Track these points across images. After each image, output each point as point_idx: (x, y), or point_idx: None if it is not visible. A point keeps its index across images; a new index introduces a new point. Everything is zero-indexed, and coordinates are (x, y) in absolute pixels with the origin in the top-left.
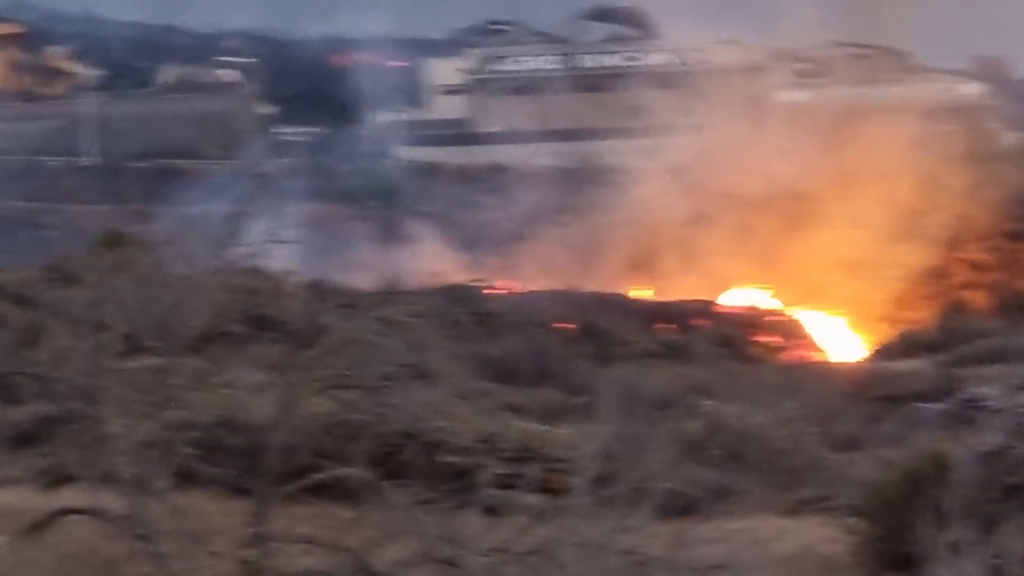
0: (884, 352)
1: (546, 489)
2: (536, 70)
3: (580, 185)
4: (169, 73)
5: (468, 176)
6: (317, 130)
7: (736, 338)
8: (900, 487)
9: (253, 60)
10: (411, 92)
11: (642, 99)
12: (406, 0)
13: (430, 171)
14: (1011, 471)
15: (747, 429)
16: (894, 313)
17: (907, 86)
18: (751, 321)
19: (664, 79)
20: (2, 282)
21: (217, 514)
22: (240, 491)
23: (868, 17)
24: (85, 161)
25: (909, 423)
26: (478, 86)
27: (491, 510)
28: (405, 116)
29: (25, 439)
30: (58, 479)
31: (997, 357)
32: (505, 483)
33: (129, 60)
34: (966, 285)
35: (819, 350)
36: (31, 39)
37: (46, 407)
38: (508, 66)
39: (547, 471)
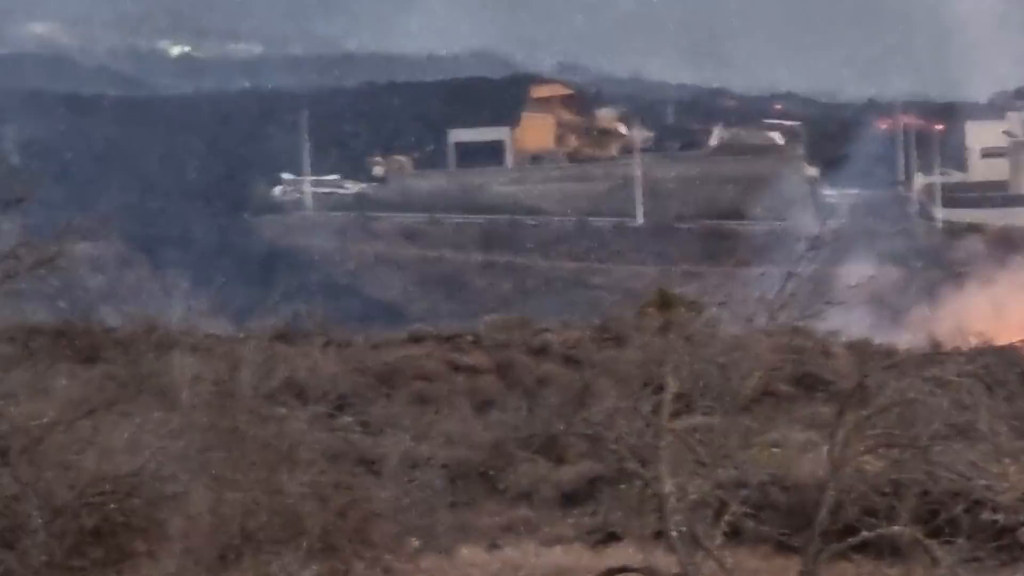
0: None
1: None
2: None
3: None
4: (717, 134)
5: (1009, 238)
6: (860, 192)
7: None
8: None
9: (800, 122)
10: (951, 154)
11: None
12: (949, 63)
13: (970, 232)
14: None
15: None
16: None
17: None
18: None
19: None
20: (551, 342)
21: (765, 572)
22: (788, 549)
23: None
24: (634, 222)
25: None
26: (1019, 148)
27: None
28: (946, 178)
29: (572, 498)
30: (606, 537)
31: None
32: None
33: (678, 121)
34: None
35: None
36: (581, 100)
37: (595, 466)
38: None
39: None
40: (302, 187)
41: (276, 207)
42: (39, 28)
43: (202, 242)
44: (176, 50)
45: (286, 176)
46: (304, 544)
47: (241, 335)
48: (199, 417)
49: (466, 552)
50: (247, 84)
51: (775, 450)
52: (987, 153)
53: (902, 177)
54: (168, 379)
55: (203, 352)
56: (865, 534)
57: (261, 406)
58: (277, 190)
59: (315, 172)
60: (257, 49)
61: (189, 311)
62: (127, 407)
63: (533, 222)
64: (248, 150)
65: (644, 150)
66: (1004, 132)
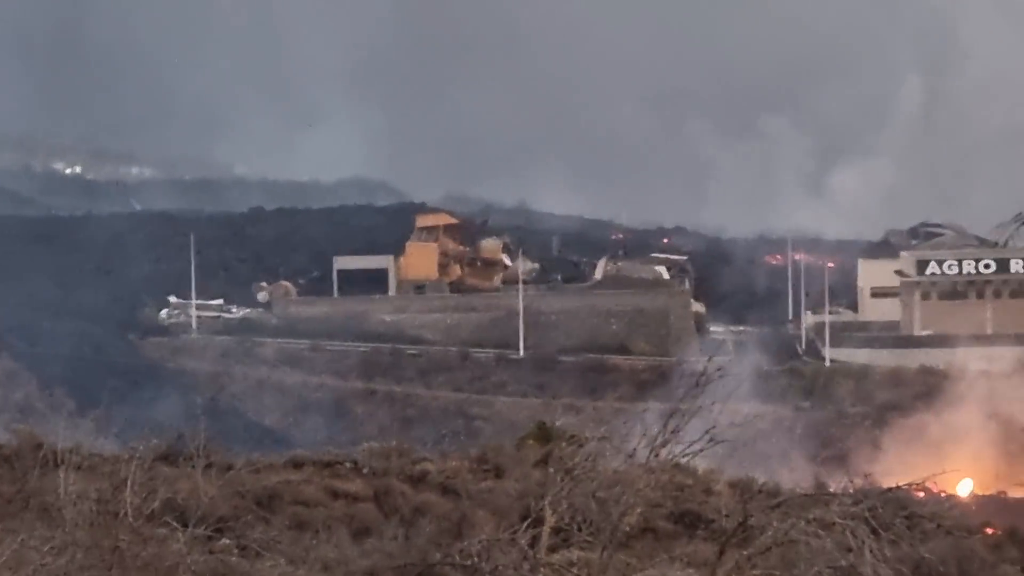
0: None
1: None
2: (969, 274)
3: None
4: (603, 267)
5: (898, 378)
6: (748, 328)
7: None
8: None
9: (686, 257)
10: (842, 293)
11: None
12: (841, 200)
13: (861, 373)
14: None
15: None
16: None
17: None
18: None
19: None
20: (430, 471)
21: None
22: None
23: None
24: (516, 353)
25: None
26: (910, 289)
27: None
28: (836, 316)
29: None
30: None
31: None
32: None
33: (563, 253)
34: None
35: None
36: (467, 230)
37: None
38: (942, 269)
39: None
40: (188, 310)
41: (163, 329)
42: None
43: (89, 362)
44: (70, 171)
45: (173, 299)
46: None
47: (125, 455)
48: (82, 535)
49: None
50: (138, 207)
51: None
52: (878, 292)
53: (790, 315)
54: (52, 497)
55: (87, 470)
56: None
57: (143, 526)
58: (164, 313)
59: (201, 296)
60: (149, 172)
61: (75, 429)
62: (11, 524)
63: (415, 351)
64: (137, 272)
65: (528, 281)
66: (896, 272)
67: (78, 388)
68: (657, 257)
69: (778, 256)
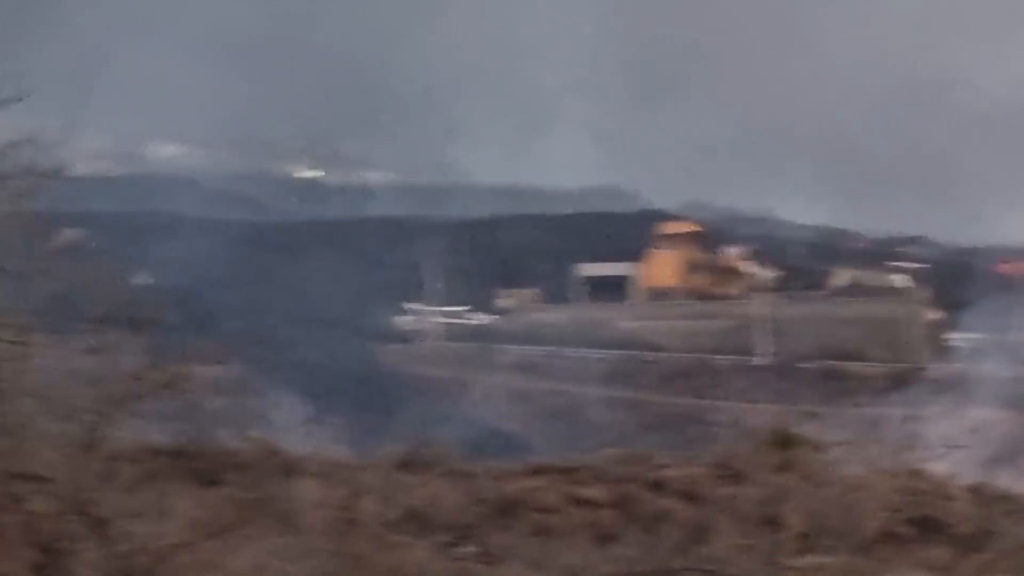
0: None
1: None
2: None
3: None
4: (841, 275)
5: None
6: (984, 335)
7: None
8: None
9: (924, 265)
10: None
11: None
12: None
13: None
14: None
15: None
16: None
17: None
18: None
19: None
20: (668, 478)
21: None
22: None
23: None
24: (756, 360)
25: None
26: None
27: None
28: None
29: None
30: None
31: None
32: None
33: (802, 261)
34: None
35: None
36: (708, 238)
37: None
38: None
39: None
40: (427, 317)
41: (401, 336)
42: (170, 150)
43: (326, 368)
44: (307, 175)
45: (411, 306)
46: None
47: (364, 462)
48: (322, 543)
49: None
50: (375, 212)
51: None
52: None
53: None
54: (290, 504)
55: (325, 478)
56: None
57: (384, 533)
58: (402, 319)
59: (441, 303)
60: (387, 177)
61: (311, 437)
62: (250, 531)
63: (654, 358)
64: (375, 278)
65: (769, 289)
66: None
67: (314, 395)
68: (896, 265)
69: (1015, 264)
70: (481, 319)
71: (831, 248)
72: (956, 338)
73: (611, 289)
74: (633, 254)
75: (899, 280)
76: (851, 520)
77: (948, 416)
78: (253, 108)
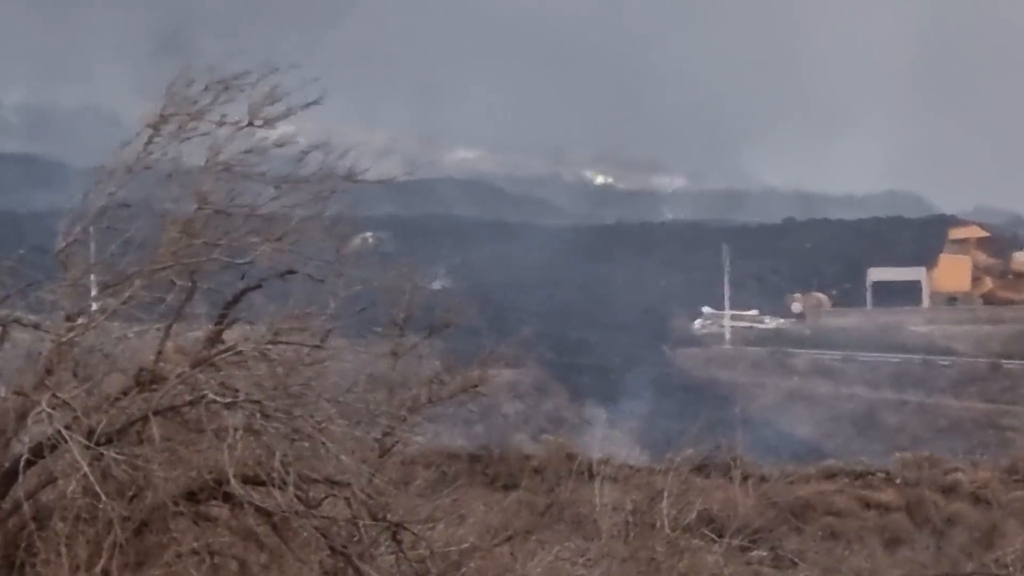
0: None
1: None
2: None
3: None
4: None
5: None
6: None
7: None
8: None
9: None
10: None
11: None
12: None
13: None
14: None
15: None
16: None
17: None
18: None
19: None
20: (961, 481)
21: None
22: None
23: None
24: None
25: None
26: None
27: None
28: None
29: None
30: None
31: None
32: None
33: None
34: None
35: None
36: (997, 243)
37: None
38: None
39: None
40: (721, 321)
41: (695, 340)
42: (464, 154)
43: (620, 372)
44: (600, 180)
45: (706, 310)
46: None
47: (660, 466)
48: (617, 547)
49: None
50: (668, 216)
51: None
52: None
53: None
54: (585, 508)
55: (621, 482)
56: None
57: (679, 537)
58: (697, 323)
59: (734, 306)
60: (679, 182)
61: (606, 439)
62: (545, 535)
63: (946, 362)
64: (668, 282)
65: None
66: None
67: (609, 398)
68: None
69: None
70: (773, 323)
71: None
72: None
73: (901, 294)
74: (923, 259)
75: None
76: None
77: None
78: (545, 112)
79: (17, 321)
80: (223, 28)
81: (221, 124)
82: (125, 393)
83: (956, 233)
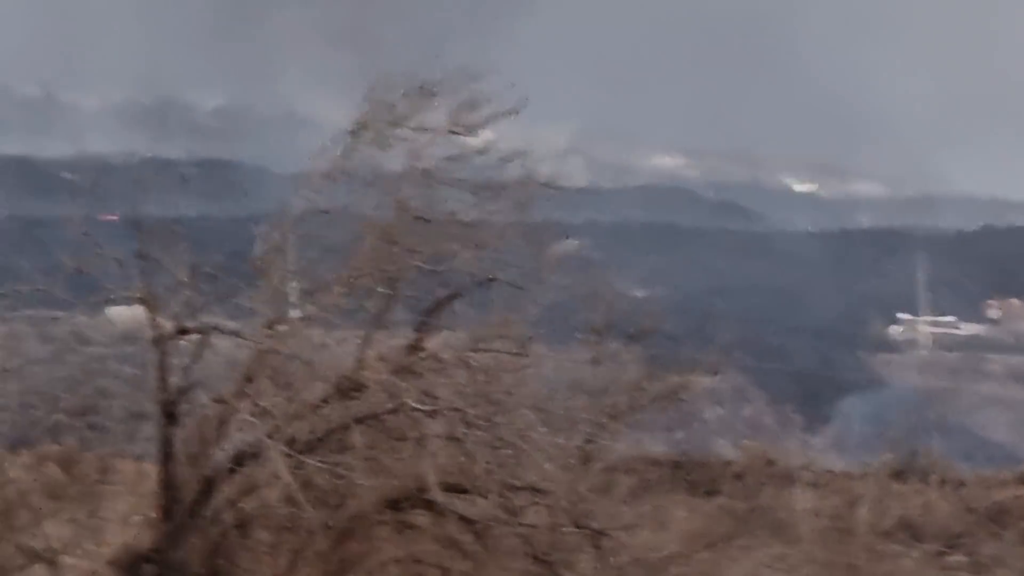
0: None
1: None
2: None
3: None
4: None
5: None
6: None
7: None
8: None
9: None
10: None
11: None
12: None
13: None
14: None
15: None
16: None
17: None
18: None
19: None
20: None
21: None
22: None
23: None
24: None
25: None
26: None
27: None
28: None
29: None
30: None
31: None
32: None
33: None
34: None
35: None
36: None
37: None
38: None
39: None
40: (917, 327)
41: (892, 346)
42: (664, 160)
43: (818, 377)
44: (801, 187)
45: (902, 316)
46: None
47: (858, 471)
48: (816, 552)
49: None
50: (866, 223)
51: None
52: None
53: None
54: (785, 514)
55: (820, 487)
56: None
57: (877, 543)
58: (893, 329)
59: (929, 312)
60: (877, 188)
61: (806, 445)
62: (745, 541)
63: None
64: (865, 288)
65: None
66: None
67: (807, 404)
68: None
69: None
70: (971, 329)
71: None
72: None
73: None
74: None
75: None
76: None
77: None
78: (744, 118)
79: (217, 328)
80: (406, 23)
81: (421, 131)
82: (326, 401)
83: None
